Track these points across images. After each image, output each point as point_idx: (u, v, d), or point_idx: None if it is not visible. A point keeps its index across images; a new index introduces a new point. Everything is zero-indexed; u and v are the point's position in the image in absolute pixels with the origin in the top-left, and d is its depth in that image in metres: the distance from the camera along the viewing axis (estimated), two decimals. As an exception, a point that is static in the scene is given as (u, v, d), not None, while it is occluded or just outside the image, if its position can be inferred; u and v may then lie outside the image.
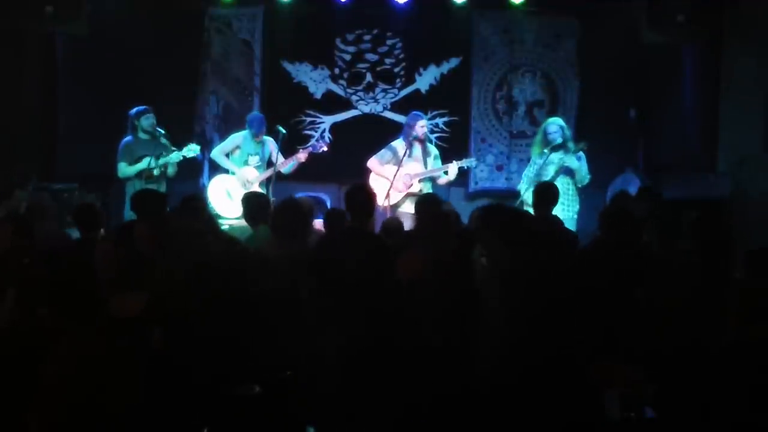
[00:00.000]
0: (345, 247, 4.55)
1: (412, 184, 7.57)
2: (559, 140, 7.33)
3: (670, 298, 4.12)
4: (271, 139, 7.88)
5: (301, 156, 7.74)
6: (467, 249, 4.19)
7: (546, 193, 6.27)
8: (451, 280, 3.93)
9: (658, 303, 4.14)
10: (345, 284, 4.33)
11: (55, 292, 3.21)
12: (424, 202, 5.68)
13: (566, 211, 7.18)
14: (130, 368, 3.07)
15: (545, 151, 7.39)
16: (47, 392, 2.94)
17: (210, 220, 5.56)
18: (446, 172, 7.63)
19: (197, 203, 5.43)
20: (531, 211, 7.01)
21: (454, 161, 7.61)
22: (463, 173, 8.74)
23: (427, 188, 7.64)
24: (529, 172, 7.53)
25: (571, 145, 7.33)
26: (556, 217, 6.28)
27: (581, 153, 7.34)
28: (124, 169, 7.46)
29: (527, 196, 7.28)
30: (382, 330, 3.74)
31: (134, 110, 7.51)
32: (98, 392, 2.93)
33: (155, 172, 7.39)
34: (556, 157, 7.33)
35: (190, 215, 5.14)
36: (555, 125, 7.44)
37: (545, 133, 7.42)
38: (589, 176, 7.38)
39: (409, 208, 7.39)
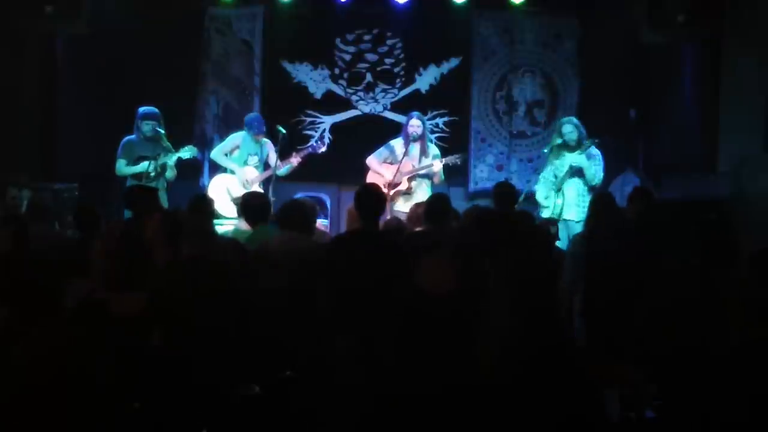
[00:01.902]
0: (356, 249, 4.54)
1: (400, 182, 7.60)
2: (575, 139, 7.28)
3: (671, 299, 4.12)
4: (269, 141, 7.88)
5: (294, 161, 7.73)
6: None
7: (508, 193, 6.25)
8: (477, 289, 3.87)
9: (659, 304, 4.14)
10: (355, 286, 4.32)
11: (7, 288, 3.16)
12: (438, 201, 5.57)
13: (581, 213, 7.11)
14: (101, 362, 2.97)
15: (553, 150, 7.39)
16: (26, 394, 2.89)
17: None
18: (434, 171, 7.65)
19: (206, 204, 5.45)
20: (545, 212, 7.03)
21: (440, 159, 7.63)
22: (460, 172, 8.77)
23: (426, 187, 7.65)
24: (546, 174, 7.45)
25: (587, 143, 7.27)
26: (525, 213, 6.22)
27: (591, 151, 7.26)
28: (122, 168, 7.47)
29: (540, 197, 7.29)
30: (393, 333, 3.72)
31: (141, 111, 7.49)
32: (80, 388, 2.87)
33: (151, 172, 7.38)
34: (573, 157, 7.26)
35: (199, 215, 5.15)
36: (570, 125, 7.37)
37: (561, 134, 7.37)
38: (601, 175, 7.32)
39: (402, 206, 7.43)
